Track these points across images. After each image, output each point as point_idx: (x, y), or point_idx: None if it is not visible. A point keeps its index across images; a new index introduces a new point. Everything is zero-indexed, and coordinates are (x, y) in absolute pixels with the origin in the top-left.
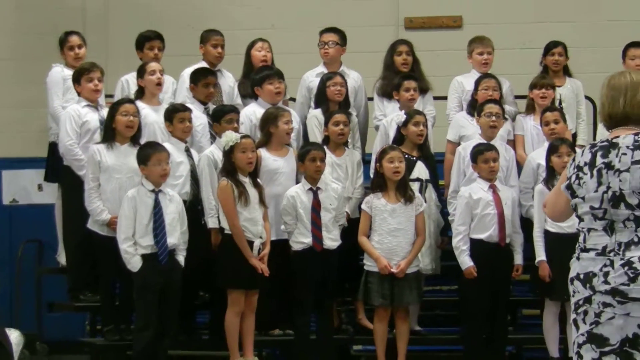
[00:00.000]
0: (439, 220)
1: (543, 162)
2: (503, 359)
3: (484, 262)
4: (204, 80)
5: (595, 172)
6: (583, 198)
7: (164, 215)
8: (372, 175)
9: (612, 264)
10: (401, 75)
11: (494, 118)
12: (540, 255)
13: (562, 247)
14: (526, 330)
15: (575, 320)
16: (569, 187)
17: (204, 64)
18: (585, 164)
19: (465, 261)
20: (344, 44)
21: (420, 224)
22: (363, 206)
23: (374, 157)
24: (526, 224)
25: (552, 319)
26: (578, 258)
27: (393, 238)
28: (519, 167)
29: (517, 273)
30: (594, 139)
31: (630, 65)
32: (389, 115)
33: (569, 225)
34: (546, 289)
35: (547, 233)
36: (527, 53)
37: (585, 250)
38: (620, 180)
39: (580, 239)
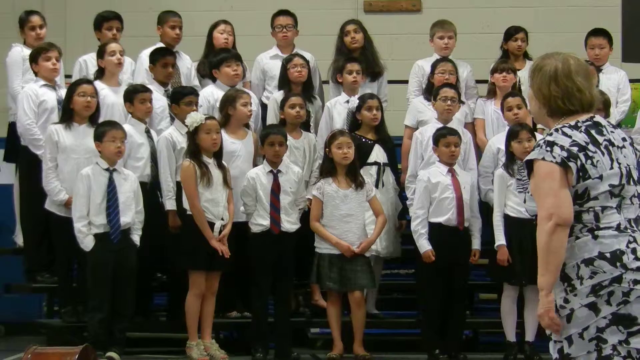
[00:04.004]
0: (397, 204)
1: (503, 147)
2: (460, 343)
3: (442, 246)
4: (162, 59)
5: (603, 149)
6: (600, 177)
7: (118, 194)
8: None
9: (635, 240)
10: (344, 58)
11: (449, 102)
12: (500, 239)
13: (522, 231)
14: (483, 314)
15: (593, 304)
16: (582, 168)
17: (161, 46)
18: (587, 142)
19: (424, 245)
20: (297, 26)
21: (377, 206)
22: (314, 192)
23: (321, 141)
24: (484, 208)
25: (510, 303)
26: (595, 237)
27: (344, 224)
28: (480, 151)
29: (475, 258)
30: None
31: (590, 54)
32: (332, 98)
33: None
34: (505, 273)
35: (506, 217)
36: (486, 38)
37: (600, 228)
38: (624, 156)
39: (588, 218)
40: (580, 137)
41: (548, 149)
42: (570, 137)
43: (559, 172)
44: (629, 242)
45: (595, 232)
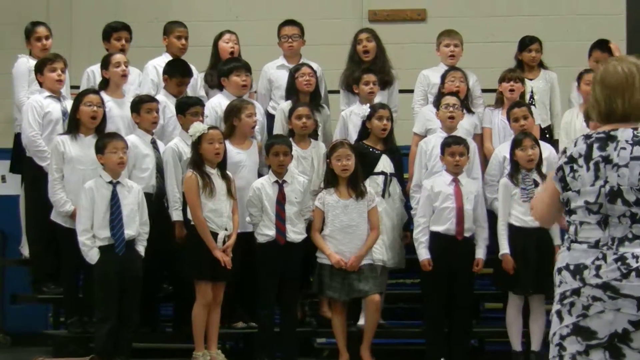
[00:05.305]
0: (403, 214)
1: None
2: (466, 352)
3: (442, 255)
4: (180, 78)
5: (592, 165)
6: (578, 192)
7: (122, 206)
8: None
9: (604, 257)
10: (361, 69)
11: (451, 109)
12: (504, 248)
13: (526, 240)
14: (489, 323)
15: (559, 312)
16: (562, 179)
17: (167, 56)
18: (580, 155)
19: (422, 253)
20: (303, 36)
21: (374, 219)
22: (316, 202)
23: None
24: (490, 217)
25: (515, 312)
26: (568, 249)
27: (346, 234)
28: (487, 159)
29: (478, 268)
30: None
31: (593, 66)
32: (348, 107)
33: (533, 218)
34: (509, 282)
35: (510, 226)
36: (492, 47)
37: (576, 242)
38: (618, 176)
39: (571, 230)
40: (579, 149)
41: (561, 155)
42: (575, 147)
43: (553, 180)
44: (597, 258)
45: (571, 245)
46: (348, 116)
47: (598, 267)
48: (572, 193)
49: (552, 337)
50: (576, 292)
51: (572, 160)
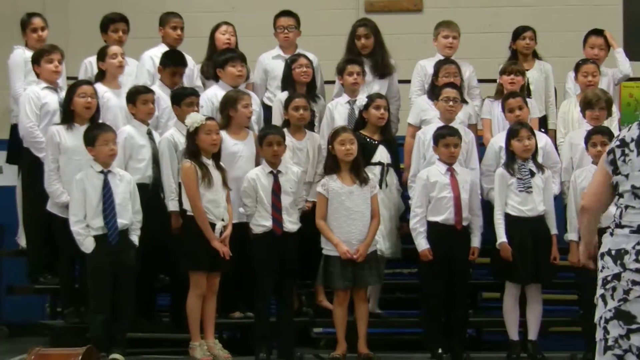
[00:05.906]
0: (400, 205)
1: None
2: (463, 342)
3: (441, 245)
4: (173, 68)
5: None
6: (627, 176)
7: (114, 195)
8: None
9: None
10: (345, 59)
11: (451, 102)
12: (502, 236)
13: (522, 230)
14: (486, 313)
15: (603, 296)
16: (613, 162)
17: (164, 47)
18: (632, 140)
19: (421, 244)
20: (299, 26)
21: (375, 206)
22: (319, 189)
23: (322, 142)
24: (486, 207)
25: (512, 301)
26: (611, 234)
27: (351, 221)
28: (484, 150)
29: (473, 256)
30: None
31: (589, 53)
32: (335, 99)
33: (529, 208)
34: (506, 271)
35: (507, 216)
36: (487, 38)
37: (620, 226)
38: None
39: (616, 214)
40: (632, 133)
41: (615, 139)
42: (629, 131)
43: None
44: (637, 243)
45: (614, 229)
46: (334, 107)
47: (638, 252)
48: (621, 177)
49: (598, 321)
50: (617, 276)
51: (624, 144)
